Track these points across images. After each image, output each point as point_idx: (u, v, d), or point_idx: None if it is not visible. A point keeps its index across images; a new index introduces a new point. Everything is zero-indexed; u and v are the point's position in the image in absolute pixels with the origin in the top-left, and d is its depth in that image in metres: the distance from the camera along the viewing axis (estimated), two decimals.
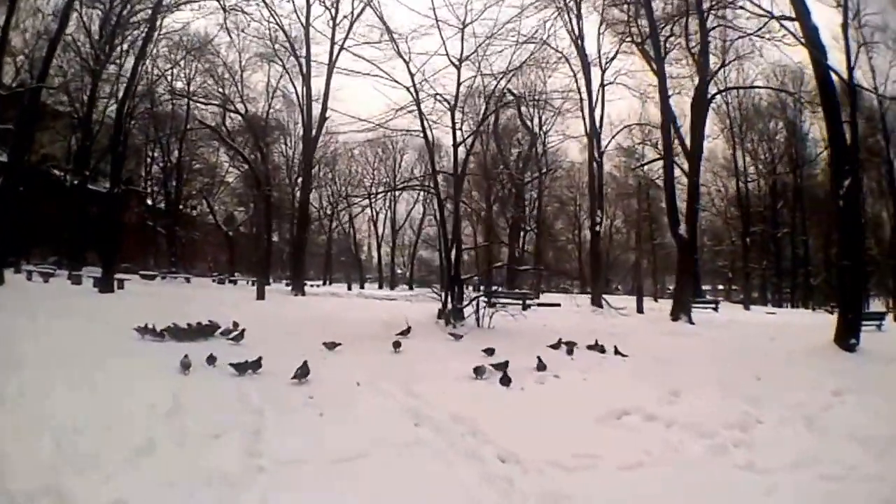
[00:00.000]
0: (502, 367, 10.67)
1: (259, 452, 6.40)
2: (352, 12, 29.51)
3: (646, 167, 38.84)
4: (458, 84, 19.70)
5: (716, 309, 30.96)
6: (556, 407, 8.87)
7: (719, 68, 31.18)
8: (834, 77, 17.19)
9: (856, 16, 21.21)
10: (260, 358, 9.78)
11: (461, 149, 21.02)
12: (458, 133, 20.23)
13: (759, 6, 21.19)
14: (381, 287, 52.91)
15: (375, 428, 7.42)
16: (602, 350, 13.84)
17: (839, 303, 17.53)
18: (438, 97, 19.57)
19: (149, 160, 43.53)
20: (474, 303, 18.49)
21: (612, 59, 33.20)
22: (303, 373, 9.49)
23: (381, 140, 49.95)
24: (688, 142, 28.33)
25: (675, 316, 23.63)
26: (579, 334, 14.89)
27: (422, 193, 49.65)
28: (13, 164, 22.30)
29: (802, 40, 16.85)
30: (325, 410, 8.03)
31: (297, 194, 37.95)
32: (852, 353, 14.80)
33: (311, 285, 41.60)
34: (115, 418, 6.90)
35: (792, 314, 34.01)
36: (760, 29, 24.19)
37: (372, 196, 41.00)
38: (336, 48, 30.21)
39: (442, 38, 19.49)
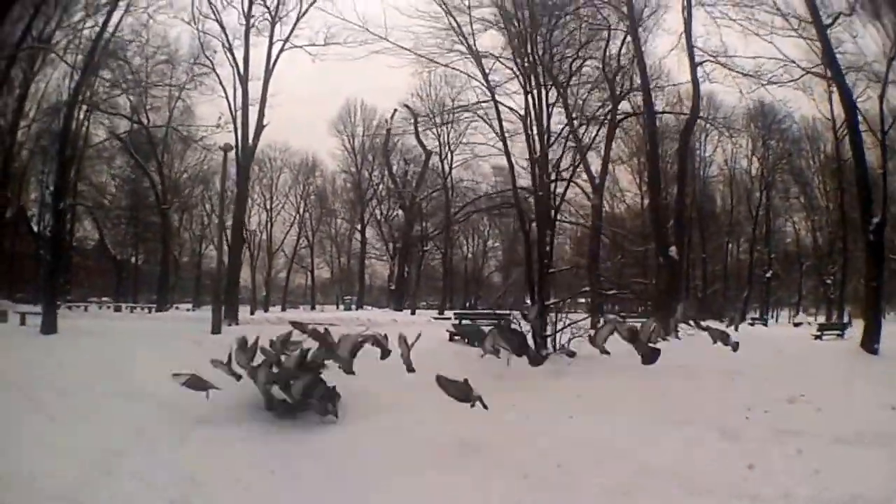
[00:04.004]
0: None
1: None
2: (300, 9, 28.19)
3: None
4: (527, 92, 18.78)
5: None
6: None
7: (629, 92, 30.81)
8: None
9: None
10: None
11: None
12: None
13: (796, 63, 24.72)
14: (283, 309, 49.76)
15: None
16: None
17: (865, 316, 21.03)
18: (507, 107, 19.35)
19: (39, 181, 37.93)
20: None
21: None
22: None
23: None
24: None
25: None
26: None
27: None
28: None
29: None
30: None
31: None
32: (877, 356, 19.02)
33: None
34: None
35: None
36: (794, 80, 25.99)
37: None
38: (276, 48, 28.20)
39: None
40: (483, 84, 19.64)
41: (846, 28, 23.59)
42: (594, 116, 27.45)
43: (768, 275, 48.60)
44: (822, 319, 37.40)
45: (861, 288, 26.00)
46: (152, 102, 34.93)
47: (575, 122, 28.88)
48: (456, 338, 20.00)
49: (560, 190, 20.75)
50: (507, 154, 21.03)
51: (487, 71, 18.97)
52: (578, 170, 33.58)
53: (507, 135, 20.84)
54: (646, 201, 37.97)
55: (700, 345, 20.58)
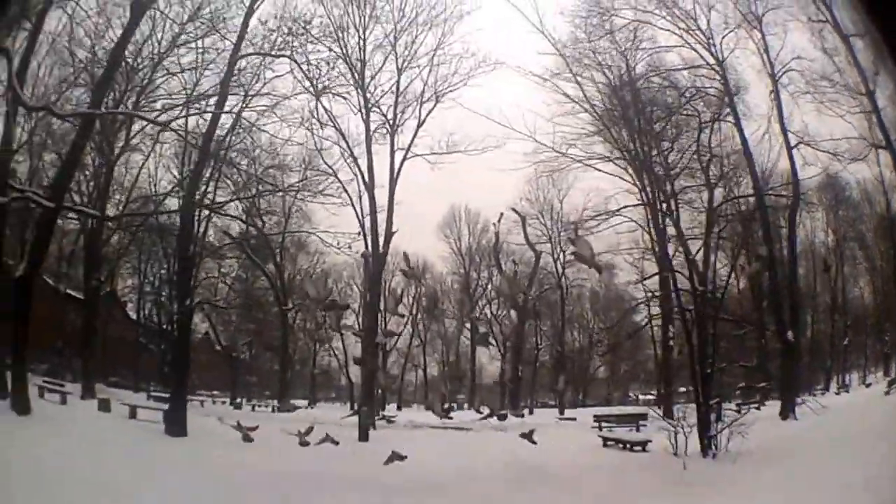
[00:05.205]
0: None
1: None
2: (419, 117, 29.27)
3: None
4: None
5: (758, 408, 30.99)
6: None
7: (721, 178, 31.65)
8: None
9: None
10: None
11: None
12: None
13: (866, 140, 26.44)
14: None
15: None
16: None
17: None
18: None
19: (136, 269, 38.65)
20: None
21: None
22: None
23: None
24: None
25: (784, 415, 25.48)
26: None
27: None
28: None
29: None
30: None
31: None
32: None
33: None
34: None
35: None
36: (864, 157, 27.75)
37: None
38: (398, 156, 28.99)
39: None
40: (638, 187, 20.62)
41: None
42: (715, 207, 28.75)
43: (845, 342, 49.27)
44: (881, 374, 37.78)
45: None
46: (265, 207, 35.14)
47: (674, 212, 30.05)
48: (610, 443, 20.13)
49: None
50: (668, 259, 21.85)
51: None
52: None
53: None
54: (741, 283, 37.44)
55: (822, 420, 21.22)
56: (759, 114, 29.11)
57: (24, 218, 26.73)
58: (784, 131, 28.04)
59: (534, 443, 17.71)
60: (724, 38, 29.08)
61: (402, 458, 14.80)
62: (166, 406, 23.62)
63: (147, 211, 31.93)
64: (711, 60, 29.18)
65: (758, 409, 29.44)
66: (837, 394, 40.38)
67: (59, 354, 29.65)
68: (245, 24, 25.87)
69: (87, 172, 29.61)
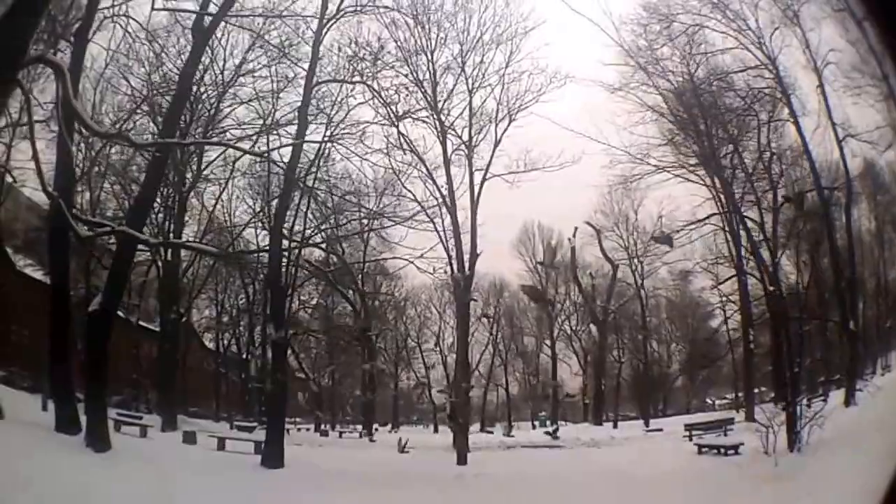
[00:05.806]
0: None
1: None
2: (495, 137, 29.32)
3: None
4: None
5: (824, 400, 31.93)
6: None
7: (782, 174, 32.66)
8: None
9: None
10: None
11: None
12: None
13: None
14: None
15: None
16: None
17: None
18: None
19: (218, 304, 38.73)
20: None
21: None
22: None
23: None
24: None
25: (847, 402, 26.29)
26: None
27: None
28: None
29: None
30: None
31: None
32: None
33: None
34: None
35: None
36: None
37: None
38: (477, 177, 28.76)
39: None
40: (714, 192, 21.69)
41: None
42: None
43: (888, 324, 49.75)
44: None
45: None
46: (345, 233, 34.88)
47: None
48: (705, 450, 21.08)
49: None
50: (759, 261, 22.75)
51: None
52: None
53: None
54: (805, 276, 36.97)
55: (878, 402, 21.92)
56: (810, 109, 29.66)
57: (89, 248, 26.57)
58: (833, 125, 28.44)
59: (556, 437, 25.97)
60: (772, 35, 29.59)
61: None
62: (251, 435, 24.79)
63: (229, 243, 32.08)
64: (764, 59, 29.80)
65: (824, 401, 30.45)
66: (882, 374, 41.67)
67: (134, 386, 30.03)
68: (315, 51, 26.01)
69: (156, 203, 29.24)
